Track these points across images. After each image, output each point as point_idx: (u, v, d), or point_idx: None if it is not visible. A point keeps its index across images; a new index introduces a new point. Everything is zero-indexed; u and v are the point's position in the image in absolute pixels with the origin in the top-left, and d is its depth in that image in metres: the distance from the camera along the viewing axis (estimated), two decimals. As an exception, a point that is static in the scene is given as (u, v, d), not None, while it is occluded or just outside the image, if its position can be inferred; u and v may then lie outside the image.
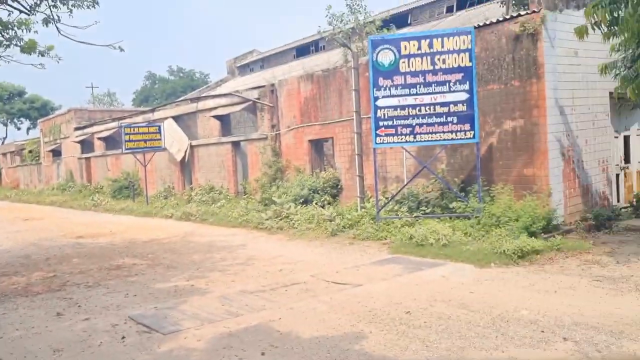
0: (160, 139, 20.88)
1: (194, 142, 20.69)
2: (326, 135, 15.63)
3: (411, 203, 11.88)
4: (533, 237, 9.02)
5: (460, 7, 25.33)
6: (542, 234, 9.54)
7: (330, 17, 19.03)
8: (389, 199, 12.20)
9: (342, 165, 15.00)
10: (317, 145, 16.36)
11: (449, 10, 26.16)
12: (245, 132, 19.02)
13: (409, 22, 26.78)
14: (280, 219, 13.50)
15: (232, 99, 18.71)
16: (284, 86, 16.83)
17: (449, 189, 11.62)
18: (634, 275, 7.26)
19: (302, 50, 30.92)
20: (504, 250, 8.42)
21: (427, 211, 11.51)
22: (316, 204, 13.94)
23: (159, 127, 21.13)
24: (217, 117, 19.42)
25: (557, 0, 11.00)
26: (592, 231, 10.69)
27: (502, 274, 7.75)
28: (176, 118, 21.85)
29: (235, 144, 18.96)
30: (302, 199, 14.45)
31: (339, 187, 14.98)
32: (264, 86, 17.53)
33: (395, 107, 11.03)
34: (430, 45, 10.83)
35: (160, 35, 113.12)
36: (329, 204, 14.14)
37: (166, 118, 22.06)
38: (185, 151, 20.77)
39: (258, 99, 17.32)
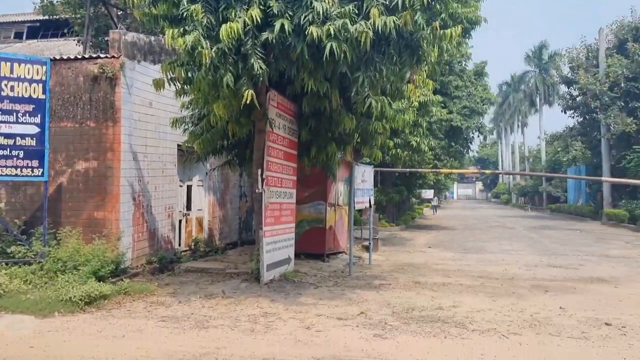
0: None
1: None
2: None
3: (-44, 248, 9.91)
4: (101, 282, 8.81)
5: (32, 36, 23.56)
6: (111, 278, 9.43)
7: None
8: None
9: None
10: None
11: (18, 36, 23.99)
12: None
13: (-33, 39, 23.23)
14: None
15: None
16: None
17: (7, 231, 10.25)
18: (194, 313, 7.91)
19: None
20: (70, 297, 7.90)
21: (-22, 257, 9.81)
22: None
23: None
24: None
25: (135, 51, 11.47)
26: (156, 274, 11.21)
27: (67, 322, 7.21)
28: None
29: None
30: None
31: None
32: None
33: (-57, 132, 9.15)
34: (-3, 68, 9.55)
35: None
36: None
37: None
38: None
39: None
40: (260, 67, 7.50)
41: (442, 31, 7.86)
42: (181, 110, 11.64)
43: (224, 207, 15.82)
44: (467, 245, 19.42)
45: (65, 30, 20.14)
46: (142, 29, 16.85)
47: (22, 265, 9.51)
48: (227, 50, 7.33)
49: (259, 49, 7.55)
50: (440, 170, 24.90)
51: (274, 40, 7.43)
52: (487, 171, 60.56)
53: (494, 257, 15.57)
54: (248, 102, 7.68)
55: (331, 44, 7.10)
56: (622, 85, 30.86)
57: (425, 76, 11.06)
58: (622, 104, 31.01)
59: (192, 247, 13.96)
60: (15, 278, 8.85)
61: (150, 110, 11.89)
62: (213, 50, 7.25)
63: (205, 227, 14.80)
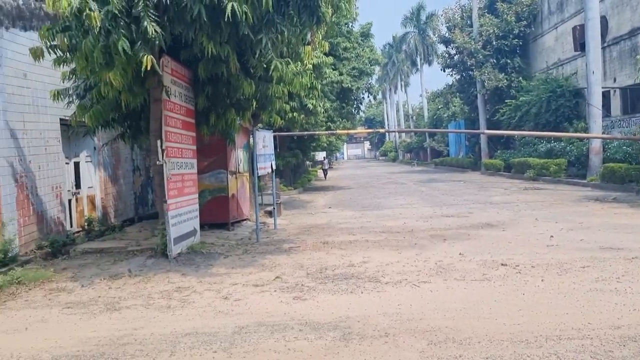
0: None
1: None
2: None
3: None
4: (-10, 273, 8.02)
5: None
6: (0, 269, 8.62)
7: None
8: None
9: None
10: None
11: None
12: None
13: None
14: None
15: None
16: None
17: None
18: (101, 296, 7.48)
19: None
20: (-44, 294, 7.12)
21: None
22: None
23: None
24: None
25: (2, 16, 10.28)
26: (49, 259, 10.45)
27: (-44, 322, 6.50)
28: None
29: None
30: None
31: None
32: None
33: None
34: None
35: None
36: None
37: None
38: None
39: None
40: (155, 31, 7.04)
41: (339, -10, 7.84)
42: (63, 82, 10.68)
43: (117, 182, 14.97)
44: (364, 202, 20.11)
45: None
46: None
47: None
48: (117, 12, 6.77)
49: (151, 11, 7.05)
50: (337, 132, 25.36)
51: (168, 1, 6.98)
52: (381, 130, 62.83)
53: (391, 212, 16.27)
54: (148, 68, 7.20)
55: (232, 5, 6.81)
56: (494, 43, 33.07)
57: (320, 37, 11.04)
58: (494, 61, 33.28)
59: (86, 227, 13.13)
60: None
61: (25, 82, 10.80)
62: (102, 12, 6.66)
63: (98, 205, 13.94)
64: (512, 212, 14.81)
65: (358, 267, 8.63)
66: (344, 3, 8.40)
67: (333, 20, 9.34)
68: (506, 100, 31.71)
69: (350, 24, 24.37)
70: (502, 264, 8.35)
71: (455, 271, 8.06)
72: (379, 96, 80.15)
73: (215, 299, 7.08)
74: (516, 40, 32.80)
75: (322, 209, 18.83)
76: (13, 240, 9.68)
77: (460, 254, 9.34)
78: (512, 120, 30.35)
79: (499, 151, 34.77)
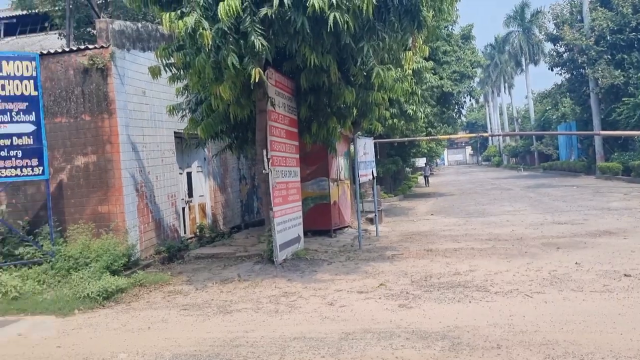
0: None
1: None
2: None
3: (-38, 254, 9.73)
4: (116, 276, 8.72)
5: (10, 33, 22.95)
6: (124, 271, 9.34)
7: None
8: None
9: None
10: None
11: (-5, 34, 23.31)
12: None
13: (-59, 40, 22.53)
14: None
15: None
16: None
17: (13, 232, 10.08)
18: (213, 299, 7.85)
19: None
20: (88, 294, 7.81)
21: (-15, 261, 9.65)
22: None
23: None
24: None
25: (124, 39, 11.19)
26: (167, 263, 11.14)
27: (89, 319, 7.13)
28: None
29: None
30: None
31: None
32: None
33: (-63, 137, 8.91)
34: (-15, 67, 9.27)
35: None
36: None
37: None
38: None
39: None
40: (262, 44, 7.32)
41: (442, -7, 7.70)
42: (176, 97, 11.42)
43: (225, 191, 15.69)
44: (468, 209, 19.49)
45: (46, 24, 19.63)
46: (124, 16, 16.48)
47: (32, 266, 9.38)
48: (226, 29, 7.13)
49: (258, 26, 7.35)
50: (438, 137, 24.88)
51: (273, 15, 7.24)
52: (484, 134, 60.52)
53: (498, 219, 15.63)
54: (257, 80, 7.52)
55: (334, 15, 6.92)
56: (608, 38, 30.81)
57: (421, 42, 10.90)
58: (609, 57, 30.98)
59: (198, 233, 13.87)
60: (27, 279, 8.72)
61: (145, 99, 11.66)
62: (213, 30, 7.04)
63: (209, 212, 14.69)
64: (635, 219, 13.66)
65: (465, 276, 8.37)
66: (446, 5, 8.23)
67: (433, 24, 9.18)
68: (623, 99, 29.39)
69: (450, 27, 23.85)
70: (625, 275, 7.72)
71: (571, 281, 7.57)
72: (481, 99, 77.52)
73: (320, 305, 7.18)
74: (634, 33, 30.29)
75: (424, 216, 18.51)
76: (135, 245, 10.45)
77: (576, 263, 8.76)
78: (631, 120, 28.05)
79: (615, 153, 32.26)
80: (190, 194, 14.12)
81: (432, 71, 20.66)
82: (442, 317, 6.29)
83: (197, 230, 13.94)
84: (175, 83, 10.33)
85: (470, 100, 28.17)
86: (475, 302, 6.87)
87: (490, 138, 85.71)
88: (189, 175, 14.16)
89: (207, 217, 14.64)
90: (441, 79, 22.80)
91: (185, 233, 13.53)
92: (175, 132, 12.74)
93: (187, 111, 11.23)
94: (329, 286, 8.23)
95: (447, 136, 26.70)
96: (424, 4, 7.93)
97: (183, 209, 13.62)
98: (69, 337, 6.39)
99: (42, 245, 9.60)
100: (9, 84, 9.44)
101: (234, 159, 16.08)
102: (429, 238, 12.83)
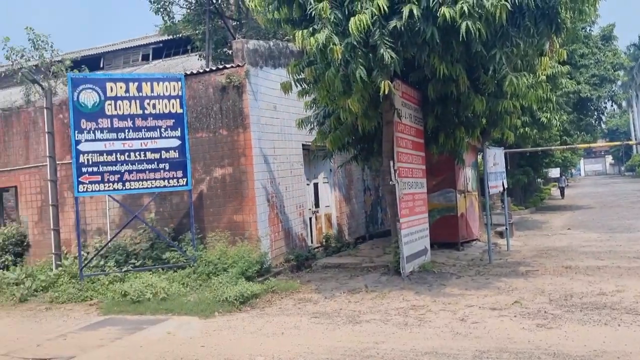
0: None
1: None
2: (7, 184, 13.32)
3: (119, 256, 10.84)
4: (250, 282, 9.19)
5: (157, 56, 25.24)
6: (257, 278, 9.82)
7: (8, 51, 16.56)
8: (96, 252, 10.90)
9: (30, 219, 12.90)
10: (-5, 196, 13.79)
11: (145, 58, 25.78)
12: None
13: (101, 66, 25.38)
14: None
15: None
16: (-54, 124, 13.80)
17: (161, 238, 11.05)
18: (342, 309, 7.97)
19: (-33, 85, 26.22)
20: (226, 298, 8.31)
21: (137, 264, 10.66)
22: (-7, 266, 11.59)
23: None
24: None
25: (257, 57, 11.84)
26: (295, 271, 11.52)
27: (228, 322, 7.59)
28: None
29: None
30: (-28, 262, 11.84)
31: (25, 244, 12.80)
32: None
33: (101, 152, 10.05)
34: (139, 89, 10.32)
35: None
36: (13, 264, 11.90)
37: None
38: None
39: None
40: (391, 57, 7.36)
41: (583, -7, 7.21)
42: (305, 110, 11.83)
43: (350, 202, 15.90)
44: (611, 224, 17.89)
45: (188, 47, 21.38)
46: (256, 36, 17.45)
47: (176, 269, 10.21)
48: (356, 43, 7.28)
49: (387, 38, 7.41)
50: (575, 146, 23.21)
51: (402, 28, 7.25)
52: (631, 141, 55.38)
53: (647, 236, 14.18)
54: (386, 92, 7.59)
55: (466, 23, 6.78)
56: None
57: (558, 46, 10.27)
58: None
59: (324, 243, 14.17)
60: (173, 282, 9.50)
61: (275, 114, 12.22)
62: (342, 45, 7.22)
63: (334, 223, 14.97)
64: None
65: (611, 297, 7.69)
66: (587, 6, 7.69)
67: (572, 26, 8.62)
68: None
69: (589, 28, 22.22)
70: None
71: None
72: (624, 104, 70.99)
73: (451, 320, 7.00)
74: None
75: (560, 230, 17.30)
76: (267, 253, 10.95)
77: None
78: None
79: None
80: (316, 205, 14.50)
81: (569, 76, 19.38)
82: (586, 340, 5.83)
83: (323, 240, 14.25)
84: (304, 97, 10.71)
85: (611, 105, 25.94)
86: (625, 325, 6.28)
87: (635, 146, 78.14)
88: (315, 186, 14.55)
89: (333, 227, 14.92)
90: (578, 83, 21.30)
91: (312, 242, 13.90)
92: (303, 144, 13.19)
93: (315, 124, 11.57)
94: (459, 301, 7.99)
95: (586, 145, 24.79)
96: (563, 6, 7.48)
97: (310, 219, 14.01)
98: (211, 338, 6.84)
99: (185, 251, 10.42)
100: (159, 103, 10.42)
101: (358, 170, 16.26)
102: (566, 254, 11.97)
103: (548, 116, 16.43)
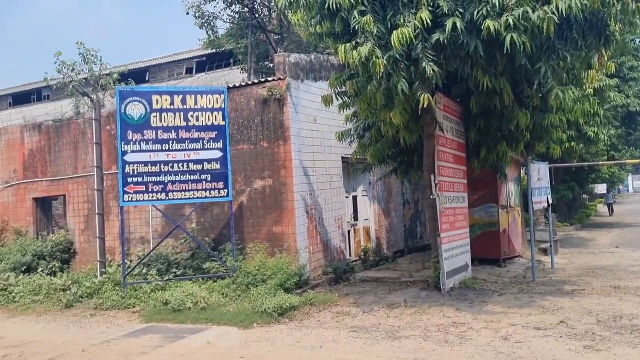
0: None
1: None
2: (57, 193, 13.79)
3: (161, 265, 11.06)
4: (289, 294, 9.20)
5: (200, 70, 25.82)
6: (296, 290, 9.82)
7: (60, 65, 17.27)
8: (139, 261, 11.15)
9: (77, 227, 13.31)
10: (45, 204, 14.28)
11: (189, 71, 26.42)
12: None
13: (147, 79, 26.14)
14: (-5, 293, 11.14)
15: None
16: (2, 136, 14.43)
17: (202, 249, 11.21)
18: (381, 324, 7.89)
19: (21, 98, 27.45)
20: (265, 309, 8.35)
21: (179, 273, 10.84)
22: (42, 272, 11.97)
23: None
24: None
25: (298, 71, 11.95)
26: (333, 284, 11.47)
27: (266, 333, 7.61)
28: None
29: None
30: (25, 267, 12.25)
31: (72, 251, 13.21)
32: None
33: (146, 163, 10.31)
34: (184, 102, 10.57)
35: None
36: (61, 271, 12.29)
37: None
38: None
39: (-35, 148, 14.41)
40: (433, 70, 7.31)
41: (635, 5, 7.00)
42: (345, 124, 11.85)
43: (389, 215, 15.79)
44: (662, 243, 17.19)
45: (231, 61, 21.80)
46: (297, 49, 17.64)
47: (216, 280, 10.32)
48: (398, 57, 7.26)
49: (429, 52, 7.37)
50: (625, 161, 22.46)
51: (445, 41, 7.20)
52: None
53: (702, 256, 13.54)
54: (425, 106, 7.54)
55: (511, 36, 6.68)
56: None
57: (606, 59, 10.01)
58: None
59: (362, 256, 14.08)
60: (213, 292, 9.61)
61: (315, 126, 12.28)
62: (385, 58, 7.22)
63: (373, 236, 14.87)
64: None
65: (664, 319, 7.36)
66: (638, 19, 7.46)
67: (622, 38, 8.39)
68: None
69: (639, 40, 21.57)
70: None
71: None
72: (675, 118, 68.34)
73: (494, 339, 6.83)
74: None
75: (607, 248, 16.70)
76: (306, 265, 10.95)
77: None
78: None
79: None
80: (355, 218, 14.44)
81: (617, 89, 18.80)
82: (638, 365, 5.59)
83: (362, 254, 14.16)
84: (345, 110, 10.73)
85: (663, 119, 25.00)
86: (680, 350, 6.00)
87: (686, 162, 74.86)
88: (354, 199, 14.51)
89: (372, 241, 14.82)
90: (627, 97, 20.62)
91: (350, 256, 13.83)
92: (342, 157, 13.19)
93: (355, 137, 11.57)
94: (502, 319, 7.79)
95: (635, 161, 23.92)
96: (612, 18, 7.29)
97: (349, 232, 13.96)
98: (250, 349, 6.87)
99: (225, 261, 10.53)
100: (202, 115, 10.64)
101: (397, 183, 16.14)
102: (615, 274, 11.54)
103: (595, 130, 15.96)
